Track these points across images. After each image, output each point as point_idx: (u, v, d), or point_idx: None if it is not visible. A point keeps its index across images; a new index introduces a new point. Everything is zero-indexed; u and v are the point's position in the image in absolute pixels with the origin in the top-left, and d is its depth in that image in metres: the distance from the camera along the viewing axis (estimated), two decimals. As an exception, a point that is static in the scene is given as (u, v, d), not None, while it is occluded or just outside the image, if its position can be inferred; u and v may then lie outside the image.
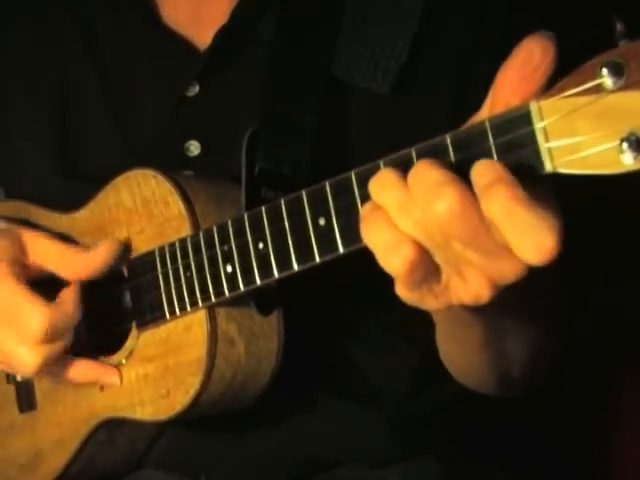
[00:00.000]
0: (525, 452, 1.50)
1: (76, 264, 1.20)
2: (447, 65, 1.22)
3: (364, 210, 0.86)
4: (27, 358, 1.18)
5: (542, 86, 0.81)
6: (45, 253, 1.21)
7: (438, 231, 0.82)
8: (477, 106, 0.87)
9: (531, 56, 0.80)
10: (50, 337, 1.16)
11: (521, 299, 0.96)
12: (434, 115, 1.21)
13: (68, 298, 1.18)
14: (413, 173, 0.82)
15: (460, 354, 1.20)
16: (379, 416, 1.28)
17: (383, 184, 0.84)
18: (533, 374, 1.24)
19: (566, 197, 0.84)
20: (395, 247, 0.83)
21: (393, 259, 0.83)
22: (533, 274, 0.85)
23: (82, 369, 1.21)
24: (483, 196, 0.80)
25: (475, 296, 0.86)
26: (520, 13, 1.22)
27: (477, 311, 0.96)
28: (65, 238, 1.25)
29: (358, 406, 1.28)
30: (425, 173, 0.81)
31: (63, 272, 1.20)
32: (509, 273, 0.84)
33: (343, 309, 1.25)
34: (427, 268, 0.84)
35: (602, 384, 1.61)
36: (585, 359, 1.58)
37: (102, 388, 1.22)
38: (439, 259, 0.85)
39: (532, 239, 0.78)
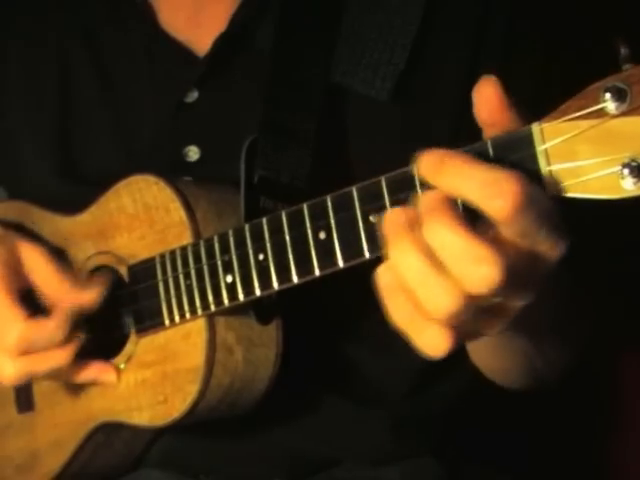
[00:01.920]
0: (525, 452, 1.50)
1: (60, 291, 1.19)
2: (448, 70, 1.21)
3: (382, 281, 0.85)
4: (5, 368, 1.18)
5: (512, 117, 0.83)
6: (37, 269, 1.21)
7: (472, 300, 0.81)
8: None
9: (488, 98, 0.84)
10: (24, 351, 1.17)
11: (560, 309, 0.99)
12: (434, 122, 1.20)
13: (53, 317, 1.18)
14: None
15: (498, 361, 1.22)
16: (379, 416, 1.28)
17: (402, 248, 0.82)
18: (565, 372, 1.26)
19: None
20: (431, 337, 0.83)
21: (430, 346, 0.84)
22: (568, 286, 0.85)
23: (79, 368, 1.21)
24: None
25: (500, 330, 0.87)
26: (523, 19, 1.21)
27: (518, 325, 0.97)
28: (66, 242, 1.25)
29: (358, 406, 1.28)
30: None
31: (47, 293, 1.20)
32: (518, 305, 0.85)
33: (344, 309, 1.25)
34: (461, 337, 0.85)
35: (603, 384, 1.61)
36: (585, 358, 1.57)
37: (101, 390, 1.22)
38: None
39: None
